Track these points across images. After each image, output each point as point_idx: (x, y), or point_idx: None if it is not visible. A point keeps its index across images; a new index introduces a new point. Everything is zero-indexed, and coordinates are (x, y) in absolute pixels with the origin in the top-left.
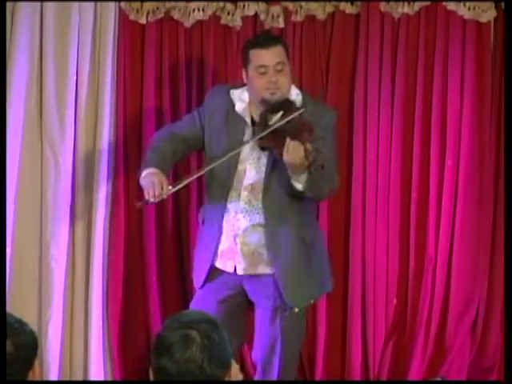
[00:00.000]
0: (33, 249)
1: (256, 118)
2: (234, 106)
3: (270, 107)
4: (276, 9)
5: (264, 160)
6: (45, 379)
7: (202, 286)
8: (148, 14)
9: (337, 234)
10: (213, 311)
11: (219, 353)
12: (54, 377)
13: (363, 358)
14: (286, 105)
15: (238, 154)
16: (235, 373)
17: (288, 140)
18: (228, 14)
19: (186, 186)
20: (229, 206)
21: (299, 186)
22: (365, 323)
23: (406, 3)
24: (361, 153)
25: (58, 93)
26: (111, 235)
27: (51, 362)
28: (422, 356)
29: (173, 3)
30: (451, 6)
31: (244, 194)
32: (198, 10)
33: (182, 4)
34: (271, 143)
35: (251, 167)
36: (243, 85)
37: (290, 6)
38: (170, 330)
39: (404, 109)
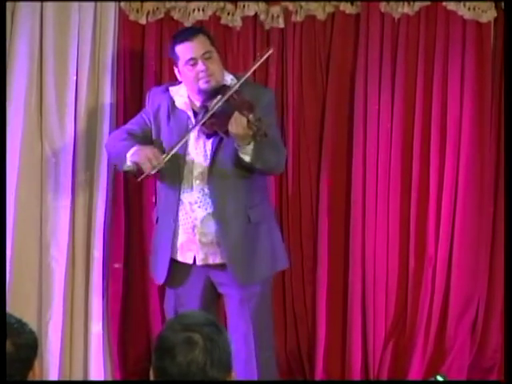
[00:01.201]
0: (33, 249)
1: (197, 110)
2: (174, 102)
3: (208, 95)
4: (276, 9)
5: (208, 148)
6: (45, 379)
7: (165, 280)
8: (148, 14)
9: (337, 234)
10: (188, 307)
11: (221, 356)
12: (54, 377)
13: (363, 358)
14: (222, 89)
15: (185, 146)
16: (234, 378)
17: (233, 114)
18: (228, 14)
19: None
20: (183, 197)
21: (247, 158)
22: (365, 323)
23: (405, 3)
24: (361, 152)
25: (58, 93)
26: (111, 235)
27: (51, 361)
28: (422, 356)
29: (173, 3)
30: (451, 6)
31: (196, 183)
32: (198, 10)
33: (182, 4)
34: (215, 126)
35: (198, 156)
36: (180, 82)
37: (290, 6)
38: (173, 332)
39: (404, 109)
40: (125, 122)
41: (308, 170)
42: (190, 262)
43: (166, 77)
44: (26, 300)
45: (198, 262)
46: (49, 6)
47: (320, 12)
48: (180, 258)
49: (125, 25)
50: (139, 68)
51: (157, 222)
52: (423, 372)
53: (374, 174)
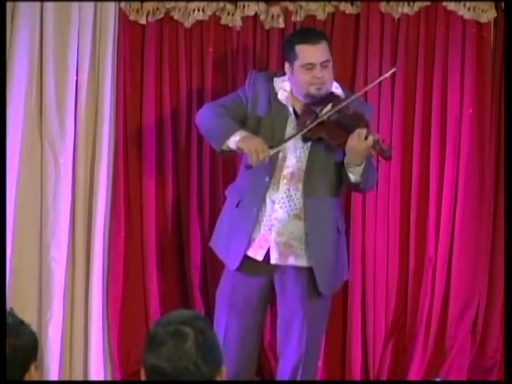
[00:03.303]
0: (33, 249)
1: (297, 110)
2: (276, 93)
3: (318, 100)
4: (276, 9)
5: (303, 150)
6: (45, 379)
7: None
8: (148, 14)
9: None
10: (244, 296)
11: (212, 350)
12: (54, 377)
13: (363, 358)
14: (331, 97)
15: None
16: (224, 373)
17: (356, 129)
18: (228, 14)
19: (186, 187)
20: (267, 194)
21: (353, 177)
22: (365, 323)
23: (405, 3)
24: None
25: (58, 93)
26: (111, 236)
27: (51, 362)
28: (422, 356)
29: (173, 3)
30: (451, 6)
31: (283, 182)
32: (198, 10)
33: (182, 4)
34: (323, 133)
35: (291, 156)
36: (283, 73)
37: (290, 6)
38: (162, 327)
39: (404, 109)
40: (125, 123)
41: None
42: (259, 258)
43: (167, 77)
44: (26, 300)
45: (272, 261)
46: (49, 6)
47: (320, 12)
48: (250, 252)
49: (125, 25)
50: (139, 68)
51: (237, 206)
52: (423, 372)
53: None
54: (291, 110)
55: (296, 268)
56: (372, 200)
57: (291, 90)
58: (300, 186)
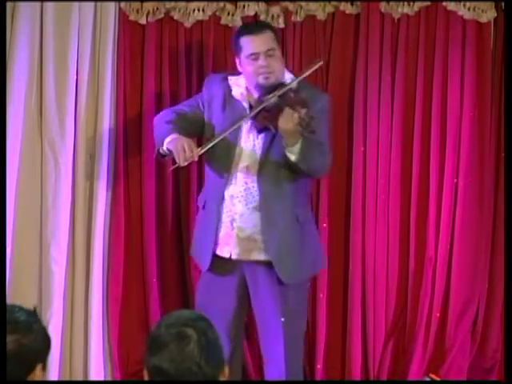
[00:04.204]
0: (33, 250)
1: (253, 103)
2: (230, 90)
3: (265, 90)
4: (276, 9)
5: (258, 142)
6: (45, 379)
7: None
8: (148, 14)
9: (337, 235)
10: (220, 302)
11: (215, 351)
12: (54, 377)
13: (363, 358)
14: (280, 86)
15: (237, 137)
16: (227, 373)
17: (284, 109)
18: (228, 14)
19: (186, 186)
20: (227, 191)
21: (293, 157)
22: (365, 323)
23: (405, 3)
24: (361, 152)
25: (58, 93)
26: (111, 236)
27: (51, 362)
28: (422, 356)
29: (173, 3)
30: (451, 6)
31: (240, 176)
32: (198, 10)
33: (182, 4)
34: (266, 120)
35: (247, 149)
36: (240, 73)
37: (290, 6)
38: (165, 328)
39: (404, 109)
40: (125, 123)
41: None
42: (227, 255)
43: (167, 77)
44: (26, 300)
45: (234, 256)
46: (49, 5)
47: (320, 12)
48: (218, 251)
49: (125, 25)
50: (139, 68)
51: (203, 207)
52: (423, 372)
53: (374, 174)
54: (247, 105)
55: (266, 263)
56: (372, 200)
57: (246, 87)
58: (255, 178)
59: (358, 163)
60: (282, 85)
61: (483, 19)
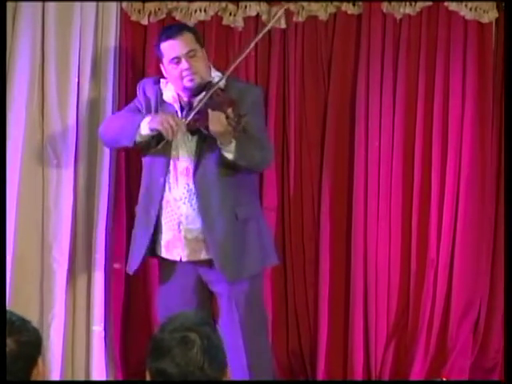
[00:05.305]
0: (34, 250)
1: (184, 106)
2: (162, 94)
3: (192, 92)
4: (278, 9)
5: (192, 143)
6: (46, 379)
7: (160, 279)
8: (150, 14)
9: (338, 236)
10: (180, 305)
11: (218, 354)
12: (55, 377)
13: (365, 359)
14: (207, 86)
15: (171, 141)
16: (228, 375)
17: (210, 112)
18: (230, 14)
19: None
20: (168, 193)
21: (230, 156)
22: (367, 324)
23: (407, 4)
24: (362, 153)
25: (60, 94)
26: (113, 236)
27: (53, 362)
28: (424, 356)
29: (175, 4)
30: (453, 6)
31: (181, 178)
32: (200, 10)
33: (183, 4)
34: (197, 122)
35: (183, 152)
36: None
37: (292, 6)
38: (169, 333)
39: (406, 109)
40: None
41: (310, 171)
42: (177, 258)
43: None
44: (28, 301)
45: (184, 259)
46: (50, 6)
47: (322, 12)
48: (166, 255)
49: (126, 25)
50: (141, 69)
51: (140, 211)
52: (425, 372)
53: (375, 175)
54: (178, 106)
55: (209, 262)
56: (374, 201)
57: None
58: (193, 179)
59: (360, 164)
60: (209, 84)
61: (485, 20)
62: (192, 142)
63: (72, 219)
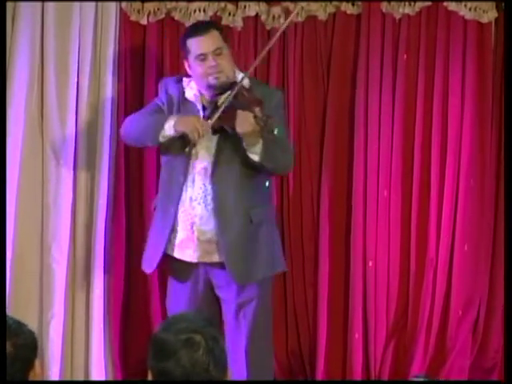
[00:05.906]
0: (34, 250)
1: (206, 105)
2: (184, 92)
3: (216, 90)
4: (277, 9)
5: (212, 143)
6: (46, 379)
7: (170, 277)
8: (149, 14)
9: (338, 236)
10: (188, 306)
11: (221, 355)
12: (55, 377)
13: (364, 358)
14: (232, 85)
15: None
16: (229, 375)
17: (238, 112)
18: (229, 14)
19: None
20: (184, 193)
21: (256, 158)
22: (366, 323)
23: (407, 3)
24: (361, 153)
25: (59, 94)
26: (112, 236)
27: (52, 362)
28: (424, 356)
29: (174, 4)
30: (452, 6)
31: (198, 178)
32: (199, 10)
33: (183, 4)
34: (222, 122)
35: (202, 151)
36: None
37: (291, 6)
38: (174, 334)
39: (405, 109)
40: None
41: (309, 170)
42: (189, 259)
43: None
44: (27, 300)
45: (195, 260)
46: (50, 6)
47: (321, 12)
48: (178, 255)
49: (126, 25)
50: (140, 69)
51: (155, 209)
52: (424, 372)
53: (375, 175)
54: (200, 106)
55: (220, 265)
56: (373, 202)
57: (199, 89)
58: (210, 179)
59: (359, 164)
60: (234, 83)
61: (484, 19)
62: (212, 142)
63: (71, 218)
